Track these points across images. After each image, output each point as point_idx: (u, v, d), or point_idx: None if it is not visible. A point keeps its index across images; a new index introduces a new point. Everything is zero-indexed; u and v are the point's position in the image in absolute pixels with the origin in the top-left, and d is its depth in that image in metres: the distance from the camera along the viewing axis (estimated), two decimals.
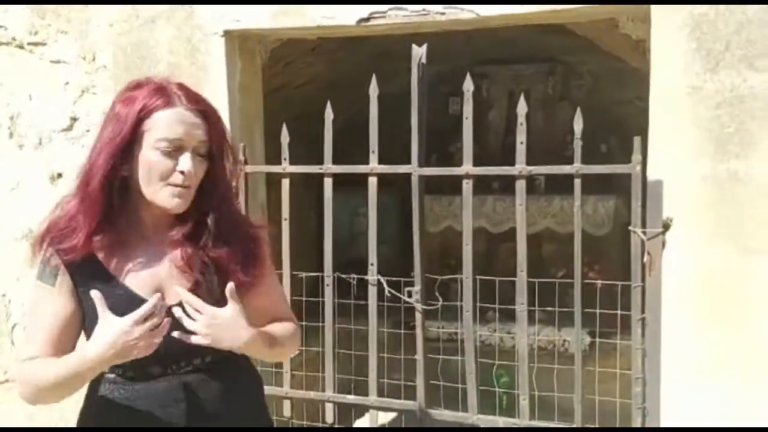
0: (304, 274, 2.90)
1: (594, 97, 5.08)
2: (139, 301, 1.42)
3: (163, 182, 1.46)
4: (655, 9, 2.23)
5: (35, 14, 3.03)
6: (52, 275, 1.50)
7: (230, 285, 1.49)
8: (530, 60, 4.94)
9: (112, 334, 1.36)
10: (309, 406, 2.90)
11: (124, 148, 1.46)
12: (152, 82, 1.51)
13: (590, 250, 4.52)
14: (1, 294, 3.18)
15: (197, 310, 1.45)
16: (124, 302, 1.44)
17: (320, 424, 2.81)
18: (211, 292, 1.52)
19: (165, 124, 1.46)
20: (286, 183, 2.71)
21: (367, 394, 2.69)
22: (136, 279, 1.51)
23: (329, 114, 2.62)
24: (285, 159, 2.70)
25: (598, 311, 2.75)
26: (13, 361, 1.59)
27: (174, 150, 1.46)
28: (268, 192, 3.00)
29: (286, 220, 2.70)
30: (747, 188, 2.15)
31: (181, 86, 1.53)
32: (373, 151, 2.60)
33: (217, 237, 1.54)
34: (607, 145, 4.61)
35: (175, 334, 1.43)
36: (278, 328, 1.64)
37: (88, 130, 3.04)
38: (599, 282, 2.74)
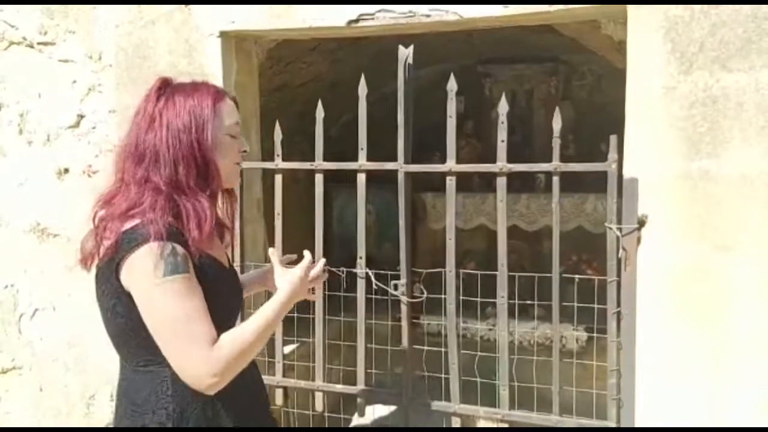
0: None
1: (595, 96, 5.12)
2: (232, 274, 1.76)
3: (233, 162, 1.69)
4: (632, 11, 2.27)
5: (45, 15, 3.13)
6: (184, 264, 1.50)
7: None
8: (533, 60, 4.97)
9: (296, 278, 1.72)
10: (300, 395, 2.99)
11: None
12: (194, 80, 1.68)
13: (589, 247, 4.59)
14: (10, 284, 3.29)
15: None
16: (225, 274, 1.70)
17: (310, 413, 2.91)
18: None
19: (228, 112, 1.65)
20: (279, 179, 2.80)
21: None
22: (221, 255, 1.71)
23: (320, 112, 2.70)
24: (278, 155, 2.79)
25: (577, 305, 2.80)
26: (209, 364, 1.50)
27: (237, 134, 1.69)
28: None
29: (279, 214, 2.80)
30: (718, 186, 2.19)
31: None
32: (362, 149, 2.67)
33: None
34: (607, 143, 4.63)
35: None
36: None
37: (94, 127, 3.14)
38: (577, 277, 2.78)
